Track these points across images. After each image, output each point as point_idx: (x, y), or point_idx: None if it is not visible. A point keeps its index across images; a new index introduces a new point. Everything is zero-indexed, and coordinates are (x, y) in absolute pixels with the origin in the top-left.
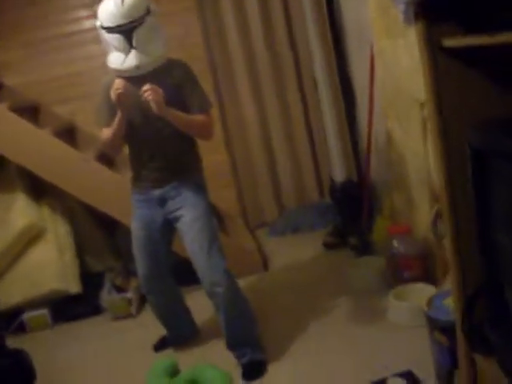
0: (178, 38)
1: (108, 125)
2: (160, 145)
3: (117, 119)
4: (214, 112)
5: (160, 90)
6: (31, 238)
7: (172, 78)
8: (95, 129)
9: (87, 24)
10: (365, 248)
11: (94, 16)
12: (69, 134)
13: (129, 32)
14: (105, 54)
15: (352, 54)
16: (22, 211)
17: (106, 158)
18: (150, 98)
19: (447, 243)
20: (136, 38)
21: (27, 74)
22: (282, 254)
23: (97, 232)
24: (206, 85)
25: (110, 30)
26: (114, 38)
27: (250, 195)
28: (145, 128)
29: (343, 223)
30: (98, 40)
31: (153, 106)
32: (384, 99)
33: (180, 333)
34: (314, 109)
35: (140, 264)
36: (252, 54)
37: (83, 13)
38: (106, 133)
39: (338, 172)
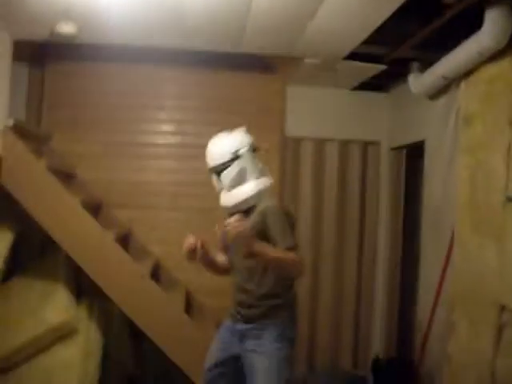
0: None
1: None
2: (253, 281)
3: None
4: None
5: (244, 225)
6: (61, 335)
7: (259, 217)
8: (147, 241)
9: (171, 139)
10: None
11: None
12: (124, 240)
13: (218, 173)
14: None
15: (426, 231)
16: (60, 307)
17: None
18: (233, 232)
19: None
20: (222, 180)
21: (99, 171)
22: None
23: (124, 344)
24: None
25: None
26: (212, 177)
27: None
28: (240, 263)
29: None
30: (170, 156)
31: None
32: (455, 291)
33: None
34: (367, 280)
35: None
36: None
37: (168, 127)
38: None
39: (383, 347)
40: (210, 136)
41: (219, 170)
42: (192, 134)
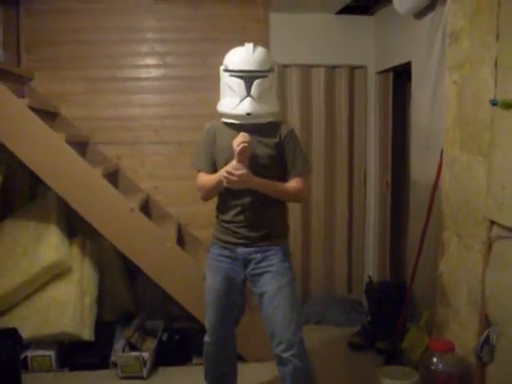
0: None
1: (204, 169)
2: (256, 206)
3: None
4: None
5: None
6: (56, 274)
7: (276, 138)
8: (137, 177)
9: (154, 72)
10: (394, 355)
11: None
12: (113, 177)
13: (250, 80)
14: (157, 106)
15: (415, 154)
16: (53, 246)
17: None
18: (239, 149)
19: None
20: (255, 87)
21: (82, 109)
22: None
23: (120, 280)
24: None
25: (234, 73)
26: (234, 82)
27: None
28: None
29: (373, 325)
30: (154, 90)
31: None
32: (446, 209)
33: None
34: (359, 205)
35: (212, 313)
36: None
37: (150, 61)
38: (204, 180)
39: (377, 272)
40: (193, 67)
41: (256, 75)
42: (175, 66)
